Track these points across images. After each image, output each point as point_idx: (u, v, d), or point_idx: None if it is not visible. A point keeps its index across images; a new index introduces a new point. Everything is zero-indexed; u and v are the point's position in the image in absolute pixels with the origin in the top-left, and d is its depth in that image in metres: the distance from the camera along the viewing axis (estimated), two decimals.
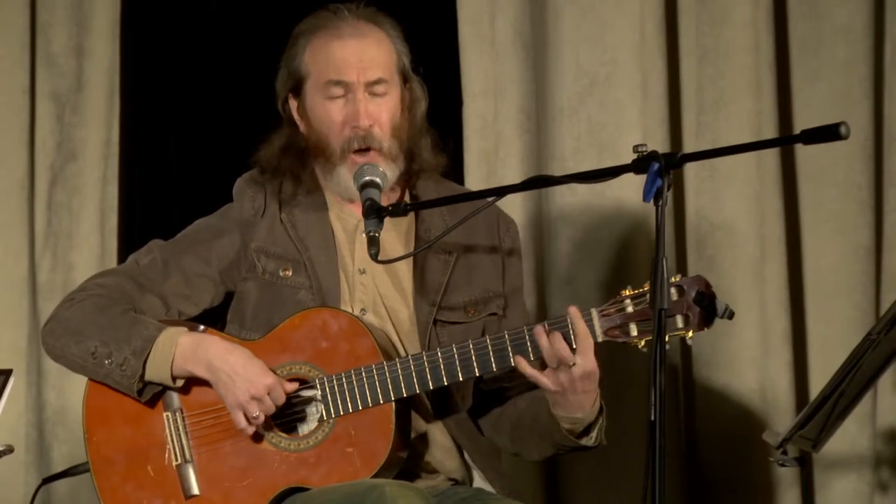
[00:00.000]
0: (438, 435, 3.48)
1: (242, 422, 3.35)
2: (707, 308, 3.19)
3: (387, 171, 3.42)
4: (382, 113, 3.45)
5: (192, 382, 3.40)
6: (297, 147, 3.53)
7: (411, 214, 3.51)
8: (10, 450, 3.65)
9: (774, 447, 3.63)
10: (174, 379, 3.38)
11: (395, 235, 3.50)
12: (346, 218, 3.51)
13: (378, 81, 3.44)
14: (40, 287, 4.69)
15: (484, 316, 3.50)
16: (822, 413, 3.53)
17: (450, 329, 3.46)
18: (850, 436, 4.38)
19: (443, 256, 3.49)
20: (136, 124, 4.76)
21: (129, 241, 4.66)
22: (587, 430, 3.38)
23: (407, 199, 3.56)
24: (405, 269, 3.50)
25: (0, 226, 4.69)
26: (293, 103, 3.53)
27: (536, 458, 3.51)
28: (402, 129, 3.48)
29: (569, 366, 3.25)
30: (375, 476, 3.29)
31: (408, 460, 3.43)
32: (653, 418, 2.87)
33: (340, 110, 3.45)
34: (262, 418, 3.34)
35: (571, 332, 3.25)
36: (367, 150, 3.44)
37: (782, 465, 3.72)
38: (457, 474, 3.51)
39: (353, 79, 3.43)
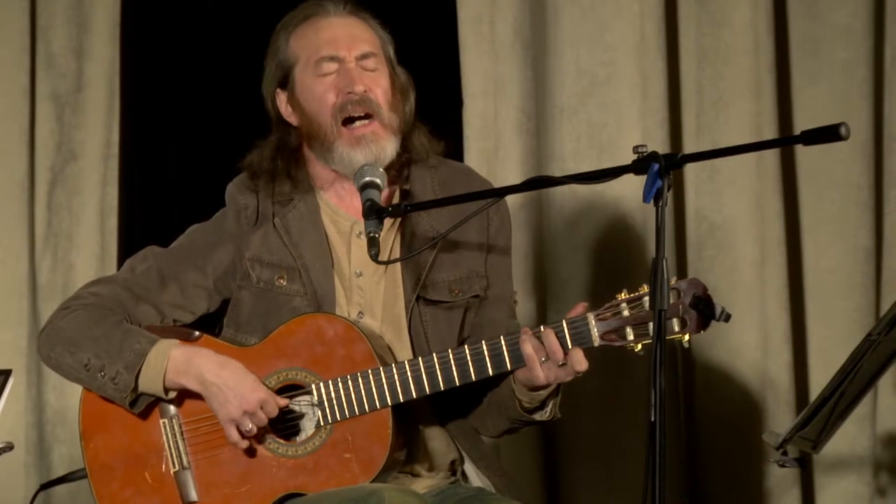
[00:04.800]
0: (435, 427, 3.48)
1: (235, 436, 3.35)
2: (703, 311, 3.18)
3: (388, 141, 3.40)
4: (377, 85, 3.42)
5: (188, 391, 3.40)
6: (289, 147, 3.52)
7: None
8: (9, 447, 3.64)
9: (774, 448, 3.63)
10: (166, 391, 3.39)
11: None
12: (340, 221, 3.50)
13: (368, 55, 3.43)
14: (40, 288, 4.70)
15: (468, 297, 3.48)
16: (822, 414, 3.53)
17: (433, 310, 3.45)
18: (851, 437, 4.38)
19: (430, 236, 3.46)
20: (136, 125, 4.76)
21: (129, 241, 4.66)
22: (542, 405, 3.39)
23: (397, 192, 3.53)
24: (396, 264, 3.49)
25: (0, 226, 4.69)
26: (282, 97, 3.50)
27: (492, 433, 3.51)
28: (397, 107, 3.46)
29: (558, 364, 3.26)
30: (374, 481, 3.29)
31: (407, 458, 3.43)
32: (653, 419, 2.87)
33: (333, 83, 3.42)
34: (254, 431, 3.34)
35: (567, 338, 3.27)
36: (366, 116, 3.41)
37: (782, 466, 3.72)
38: (454, 454, 3.50)
39: (344, 53, 3.42)
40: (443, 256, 3.47)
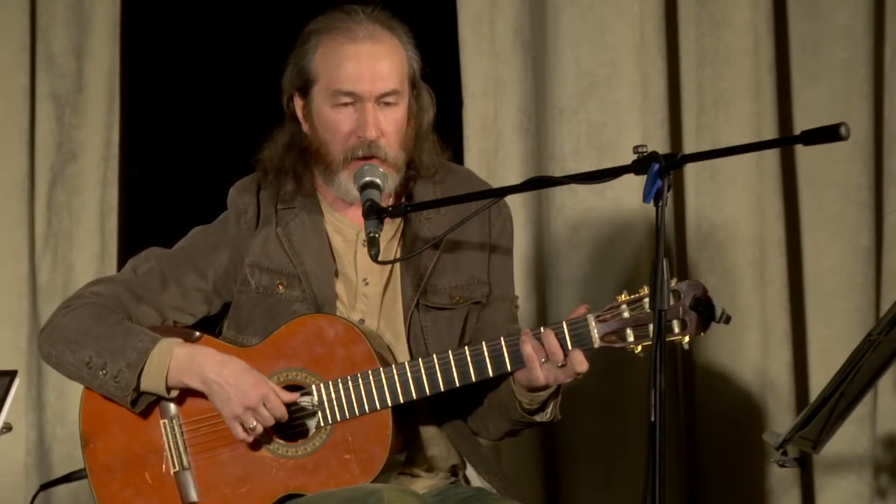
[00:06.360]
0: (435, 433, 3.48)
1: (241, 433, 3.35)
2: (704, 313, 3.18)
3: (388, 177, 3.41)
4: (390, 124, 3.40)
5: (188, 391, 3.40)
6: (299, 145, 3.51)
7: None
8: (8, 427, 3.62)
9: (775, 448, 3.63)
10: (168, 390, 3.39)
11: (386, 232, 3.47)
12: (344, 229, 3.50)
13: (389, 94, 3.40)
14: (40, 288, 4.70)
15: (468, 304, 3.48)
16: (822, 414, 3.53)
17: (434, 315, 3.45)
18: (851, 437, 4.38)
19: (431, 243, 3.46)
20: (136, 125, 4.76)
21: (129, 241, 4.66)
22: (543, 407, 3.39)
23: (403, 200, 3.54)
24: (397, 269, 3.49)
25: (0, 227, 4.69)
26: (298, 102, 3.49)
27: (493, 436, 3.51)
28: (407, 139, 3.46)
29: (558, 365, 3.26)
30: (373, 481, 3.29)
31: (407, 461, 3.43)
32: (653, 419, 2.87)
33: (348, 119, 3.41)
34: (259, 429, 3.34)
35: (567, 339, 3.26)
36: (371, 157, 3.42)
37: (782, 466, 3.72)
38: (454, 459, 3.51)
39: (365, 91, 3.39)
40: (444, 262, 3.47)
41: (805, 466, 4.39)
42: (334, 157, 3.43)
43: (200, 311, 3.51)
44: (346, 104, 3.41)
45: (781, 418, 4.38)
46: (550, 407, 3.40)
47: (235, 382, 3.34)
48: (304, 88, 3.47)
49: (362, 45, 3.41)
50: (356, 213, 3.41)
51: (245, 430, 3.35)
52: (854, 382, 3.48)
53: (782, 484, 4.43)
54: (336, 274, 3.46)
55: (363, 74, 3.39)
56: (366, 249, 3.36)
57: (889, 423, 4.41)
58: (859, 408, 3.70)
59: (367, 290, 3.46)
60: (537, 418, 3.40)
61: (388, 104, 3.41)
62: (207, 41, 4.74)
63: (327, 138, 3.44)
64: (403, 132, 3.44)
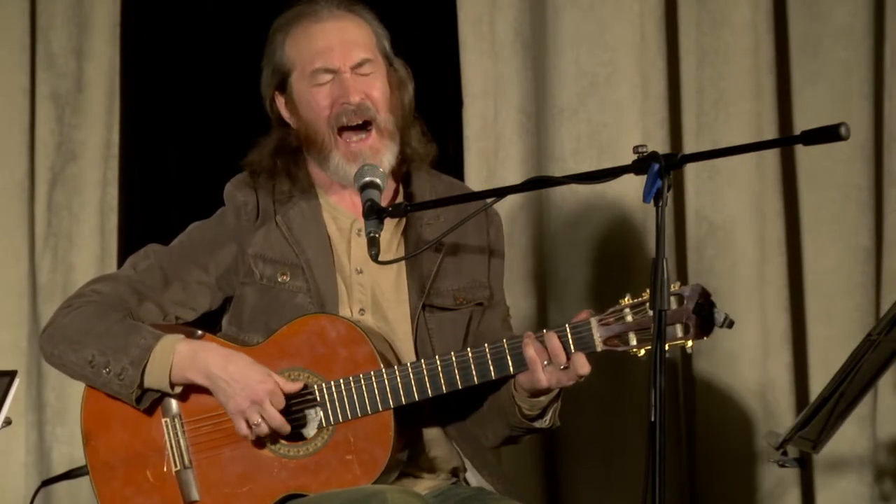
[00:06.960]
0: (438, 434, 3.48)
1: (244, 428, 3.35)
2: (706, 317, 3.18)
3: (386, 153, 3.42)
4: (373, 88, 3.43)
5: (191, 388, 3.40)
6: (289, 147, 3.52)
7: None
8: (7, 422, 3.61)
9: (775, 448, 3.63)
10: (172, 386, 3.39)
11: (386, 229, 3.47)
12: (340, 218, 3.51)
13: (363, 62, 3.43)
14: (40, 288, 4.70)
15: (471, 305, 3.50)
16: (822, 414, 3.53)
17: (439, 316, 3.46)
18: (851, 437, 4.38)
19: (432, 247, 3.47)
20: (136, 125, 4.76)
21: (130, 241, 4.66)
22: (542, 413, 3.40)
23: (401, 193, 3.54)
24: (399, 265, 3.49)
25: (0, 227, 4.69)
26: (280, 100, 3.51)
27: (492, 442, 3.51)
28: (395, 107, 3.47)
29: (561, 367, 3.26)
30: (375, 482, 3.29)
31: (409, 461, 3.43)
32: (653, 419, 2.87)
33: (328, 93, 3.43)
34: (263, 426, 3.34)
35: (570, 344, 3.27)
36: (364, 125, 3.42)
37: (782, 466, 3.72)
38: (456, 462, 3.51)
39: (339, 64, 3.42)
40: (446, 265, 3.48)
41: (805, 466, 4.40)
42: (324, 135, 3.44)
43: (202, 306, 3.51)
44: (324, 83, 3.43)
45: (781, 419, 4.38)
46: (549, 414, 3.41)
47: (241, 378, 3.34)
48: (283, 83, 3.49)
49: (327, 22, 3.46)
50: (352, 203, 3.43)
51: (249, 426, 3.35)
52: (854, 382, 3.49)
53: (782, 484, 4.44)
54: (334, 263, 3.47)
55: (333, 48, 3.43)
56: (360, 239, 3.37)
57: (889, 423, 4.41)
58: (859, 408, 3.71)
59: (362, 279, 3.46)
60: (536, 425, 3.41)
61: (364, 74, 3.43)
62: (207, 41, 4.75)
63: (313, 117, 3.45)
64: (388, 97, 3.46)
